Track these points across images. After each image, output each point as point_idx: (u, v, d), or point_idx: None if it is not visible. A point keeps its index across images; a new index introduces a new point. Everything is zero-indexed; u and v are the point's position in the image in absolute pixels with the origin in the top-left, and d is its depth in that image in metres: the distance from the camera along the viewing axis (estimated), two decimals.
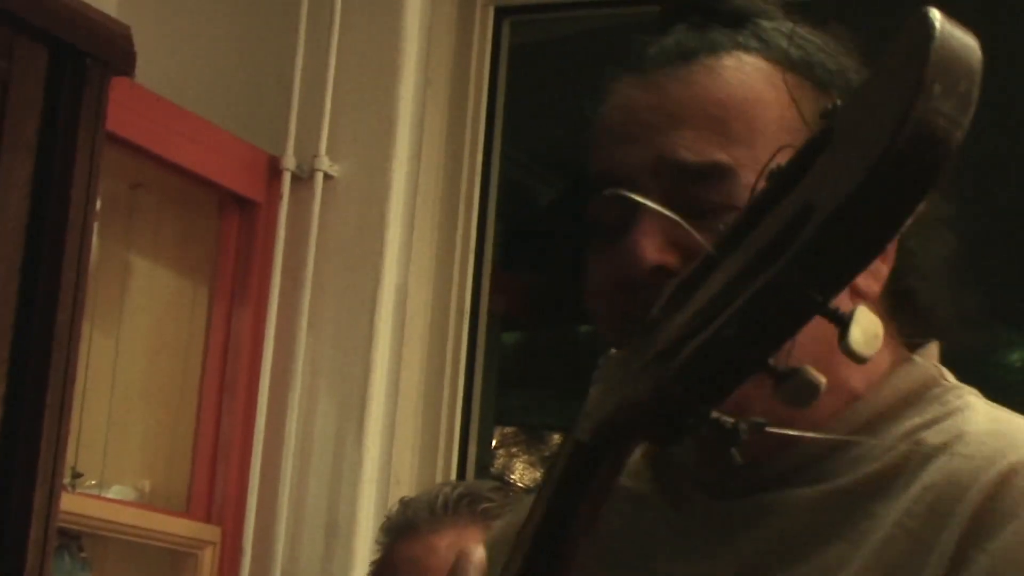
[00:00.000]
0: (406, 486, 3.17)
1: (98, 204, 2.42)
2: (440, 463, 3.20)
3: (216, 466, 3.13)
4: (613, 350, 0.86)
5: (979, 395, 1.11)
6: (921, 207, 0.74)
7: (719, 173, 1.04)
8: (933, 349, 1.12)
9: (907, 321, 1.11)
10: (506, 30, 3.40)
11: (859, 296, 1.04)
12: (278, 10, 3.29)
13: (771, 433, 0.75)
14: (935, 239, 1.10)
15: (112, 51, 2.39)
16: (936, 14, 0.66)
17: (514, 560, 0.88)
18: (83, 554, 2.77)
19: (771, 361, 0.72)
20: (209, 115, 3.10)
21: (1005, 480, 0.99)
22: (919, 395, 1.08)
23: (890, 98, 0.66)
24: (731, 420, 0.74)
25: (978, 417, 1.06)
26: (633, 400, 0.78)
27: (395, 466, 3.16)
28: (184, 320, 3.17)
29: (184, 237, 3.18)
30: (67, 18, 2.33)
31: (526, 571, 0.89)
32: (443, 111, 3.32)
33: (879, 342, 0.71)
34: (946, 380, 1.10)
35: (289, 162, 3.22)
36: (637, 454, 1.16)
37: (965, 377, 1.13)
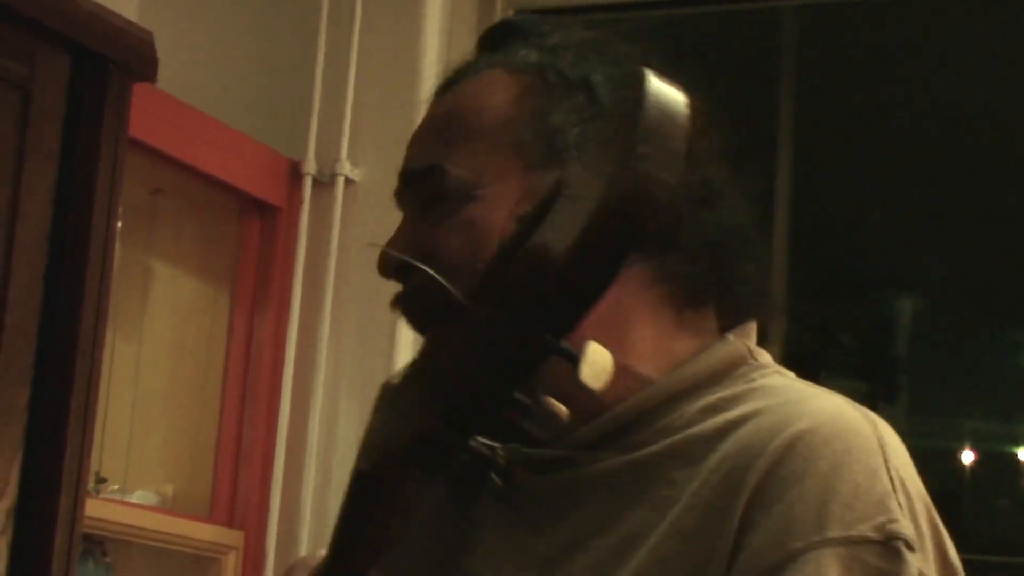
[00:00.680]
0: None
1: (120, 211, 2.43)
2: None
3: (239, 471, 3.14)
4: (390, 380, 0.94)
5: (788, 374, 1.16)
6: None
7: (431, 172, 1.20)
8: (750, 329, 1.17)
9: (725, 304, 1.17)
10: None
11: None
12: (299, 15, 3.30)
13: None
14: (735, 228, 1.16)
15: (134, 57, 2.39)
16: (649, 78, 0.75)
17: None
18: (107, 559, 2.77)
19: (516, 395, 0.81)
20: (230, 120, 3.10)
21: (789, 447, 1.03)
22: (725, 373, 1.13)
23: (609, 157, 0.74)
24: (488, 447, 0.86)
25: (777, 392, 1.10)
26: (404, 435, 0.86)
27: None
28: (205, 325, 3.18)
29: (205, 242, 3.19)
30: (89, 24, 2.33)
31: None
32: None
33: (608, 375, 0.80)
34: (755, 359, 1.15)
35: (310, 167, 3.22)
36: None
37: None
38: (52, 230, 2.28)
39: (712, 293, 1.15)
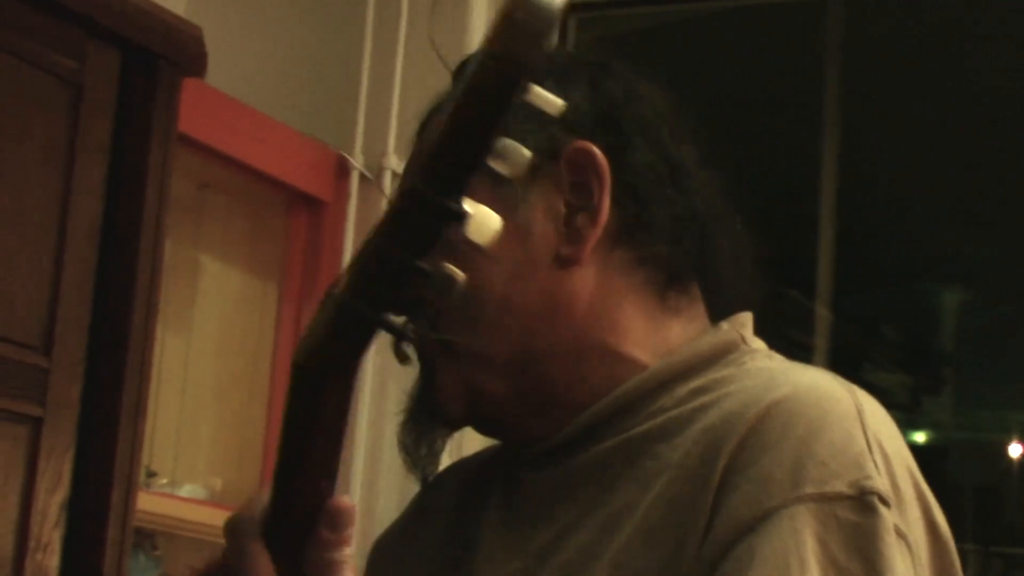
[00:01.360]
0: None
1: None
2: None
3: None
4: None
5: (779, 357, 1.17)
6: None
7: None
8: (744, 318, 1.20)
9: (707, 283, 1.19)
10: (573, 25, 3.40)
11: (566, 266, 1.13)
12: (345, 9, 3.30)
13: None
14: (705, 207, 1.18)
15: (183, 52, 2.40)
16: None
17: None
18: (156, 552, 2.78)
19: (420, 263, 0.86)
20: (278, 115, 3.11)
21: (766, 413, 1.04)
22: (717, 358, 1.15)
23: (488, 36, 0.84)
24: (400, 321, 0.89)
25: (762, 371, 1.13)
26: (326, 319, 0.92)
27: None
28: (253, 319, 3.19)
29: (253, 236, 3.20)
30: (139, 20, 2.34)
31: (275, 506, 0.99)
32: None
33: (493, 234, 0.85)
34: (747, 344, 1.17)
35: (357, 161, 3.23)
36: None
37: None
38: (102, 224, 2.30)
39: (690, 272, 1.18)
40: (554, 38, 0.86)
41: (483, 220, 0.87)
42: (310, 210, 3.23)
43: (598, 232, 1.13)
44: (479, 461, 1.30)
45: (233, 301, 3.18)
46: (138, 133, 2.35)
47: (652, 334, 1.16)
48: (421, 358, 1.22)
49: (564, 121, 1.12)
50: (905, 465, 1.06)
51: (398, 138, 3.24)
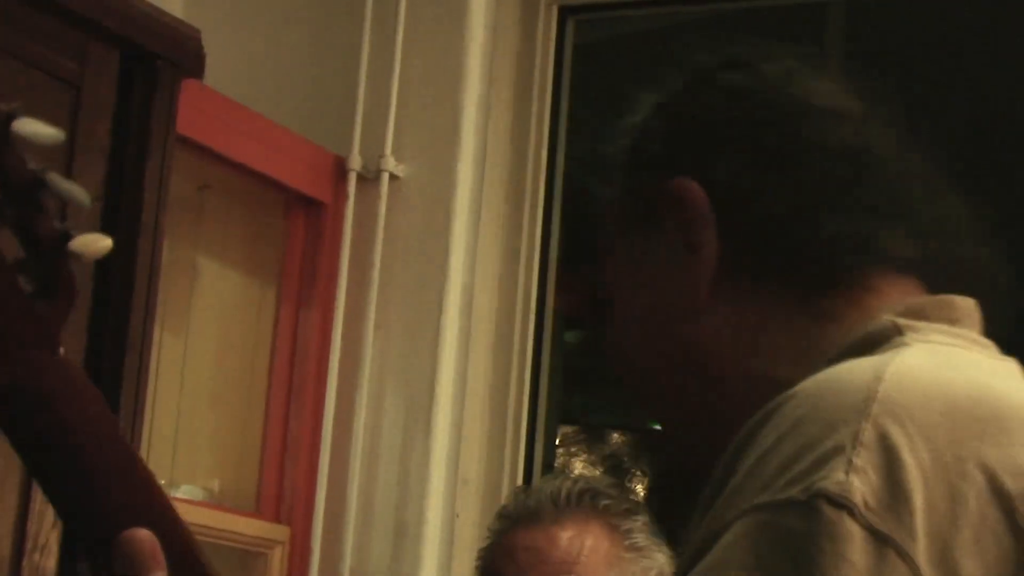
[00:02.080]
0: (474, 485, 3.17)
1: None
2: (507, 462, 3.21)
3: (284, 466, 3.14)
4: None
5: (941, 341, 1.05)
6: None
7: None
8: (921, 302, 1.09)
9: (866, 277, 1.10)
10: (570, 29, 3.40)
11: (698, 312, 1.08)
12: (344, 11, 3.30)
13: None
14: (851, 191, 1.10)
15: (182, 53, 2.41)
16: None
17: None
18: None
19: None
20: (276, 116, 3.11)
21: (769, 411, 0.96)
22: (856, 354, 1.03)
23: None
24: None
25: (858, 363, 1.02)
26: None
27: (462, 465, 3.16)
28: (251, 321, 3.19)
29: (251, 238, 3.20)
30: (138, 21, 2.35)
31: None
32: (508, 110, 3.32)
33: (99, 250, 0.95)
34: (903, 334, 1.05)
35: (355, 163, 3.23)
36: None
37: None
38: (101, 225, 2.30)
39: (841, 272, 1.09)
40: None
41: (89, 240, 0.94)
42: (308, 212, 3.23)
43: (710, 269, 1.08)
44: None
45: (231, 303, 3.18)
46: (137, 134, 2.35)
47: (797, 348, 1.08)
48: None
49: (659, 162, 1.11)
50: (956, 462, 0.92)
51: (396, 140, 3.24)
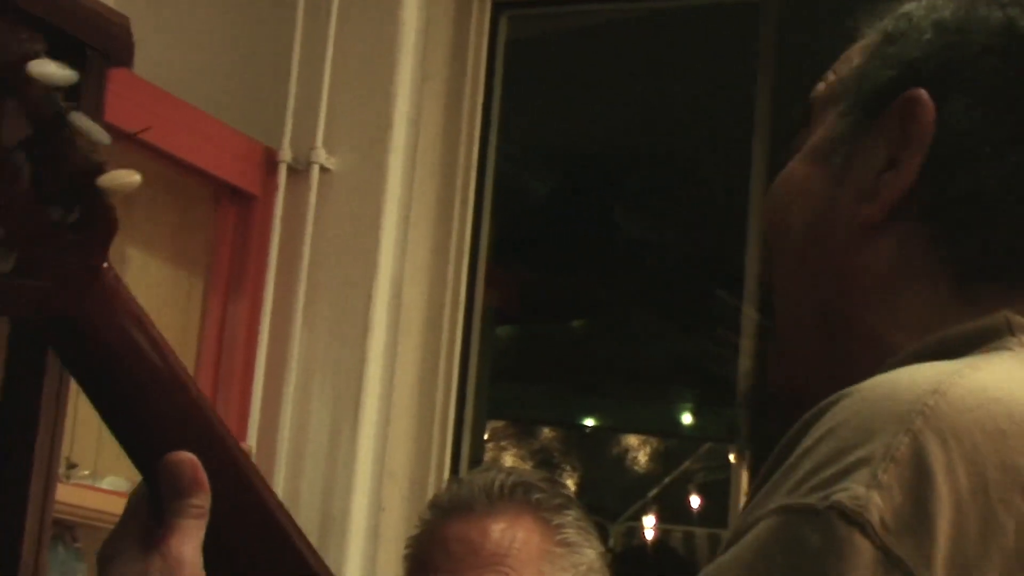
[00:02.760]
0: (400, 479, 3.17)
1: None
2: (434, 456, 3.21)
3: None
4: None
5: None
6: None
7: (808, 104, 1.12)
8: None
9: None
10: (503, 25, 3.41)
11: (863, 226, 1.02)
12: (275, 2, 3.29)
13: None
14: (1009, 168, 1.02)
15: (111, 42, 2.39)
16: None
17: None
18: (77, 544, 2.77)
19: None
20: (207, 107, 3.10)
21: (819, 410, 0.91)
22: (962, 349, 0.97)
23: None
24: None
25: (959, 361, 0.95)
26: None
27: (389, 459, 3.16)
28: (179, 311, 3.18)
29: (180, 229, 3.18)
30: (66, 8, 2.33)
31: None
32: (440, 105, 3.32)
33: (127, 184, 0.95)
34: (1015, 335, 0.97)
35: (286, 155, 3.22)
36: None
37: None
38: None
39: (1008, 268, 1.00)
40: None
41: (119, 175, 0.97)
42: (238, 203, 3.22)
43: (897, 193, 1.01)
44: None
45: (159, 294, 3.16)
46: None
47: (924, 321, 1.00)
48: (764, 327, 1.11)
49: (911, 63, 1.03)
50: (1000, 490, 0.85)
51: (327, 132, 3.24)
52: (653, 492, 7.57)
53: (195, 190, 3.19)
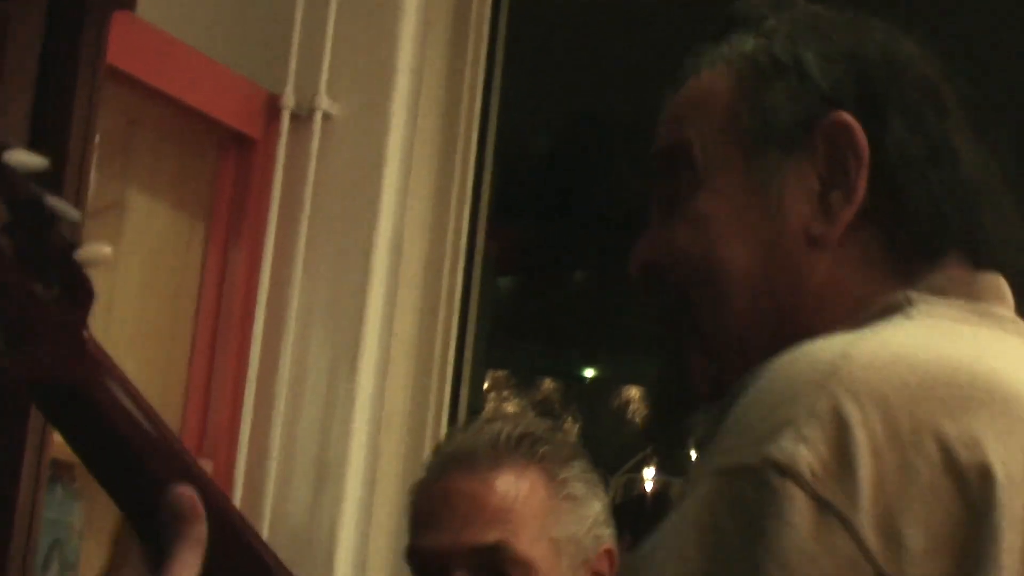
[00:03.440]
0: (397, 428, 3.19)
1: (96, 140, 2.42)
2: (432, 405, 3.22)
3: (209, 402, 3.15)
4: None
5: (928, 320, 1.09)
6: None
7: (679, 148, 1.18)
8: (937, 279, 1.13)
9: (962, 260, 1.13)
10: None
11: (816, 245, 1.12)
12: None
13: None
14: (939, 171, 1.13)
15: None
16: None
17: None
18: (75, 484, 2.78)
19: None
20: (210, 51, 3.09)
21: (766, 368, 1.01)
22: (866, 323, 1.09)
23: None
24: None
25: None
26: None
27: (387, 408, 3.17)
28: (180, 258, 3.18)
29: (181, 174, 3.18)
30: None
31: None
32: (443, 53, 3.32)
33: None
34: (910, 307, 1.10)
35: (288, 100, 3.22)
36: None
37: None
38: None
39: (943, 248, 1.13)
40: None
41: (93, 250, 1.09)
42: (240, 149, 3.22)
43: (852, 211, 1.11)
44: None
45: (159, 239, 3.17)
46: (65, 66, 2.33)
47: (852, 309, 1.12)
48: (669, 339, 1.21)
49: (823, 91, 1.13)
50: (911, 436, 0.97)
51: (330, 78, 3.23)
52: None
53: (197, 135, 3.19)
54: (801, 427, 0.96)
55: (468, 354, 3.32)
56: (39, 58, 2.31)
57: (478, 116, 3.33)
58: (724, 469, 0.98)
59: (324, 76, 3.23)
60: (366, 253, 3.18)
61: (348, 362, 3.15)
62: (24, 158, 1.12)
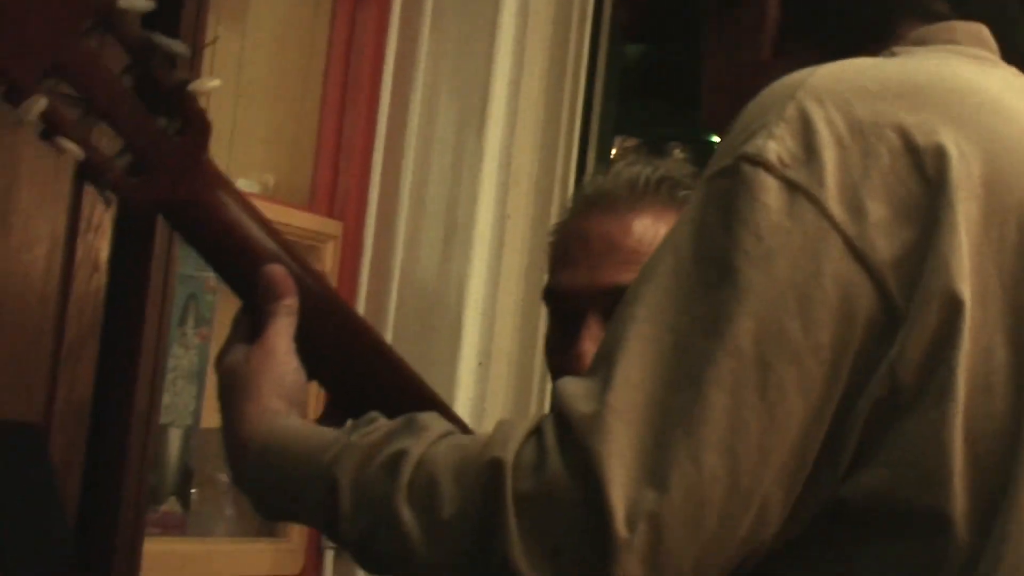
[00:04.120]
0: (525, 187, 3.19)
1: None
2: (559, 166, 3.22)
3: (339, 162, 3.17)
4: None
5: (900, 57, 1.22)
6: None
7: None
8: (919, 33, 1.25)
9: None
10: None
11: (760, 67, 1.27)
12: None
13: None
14: None
15: None
16: None
17: None
18: None
19: None
20: None
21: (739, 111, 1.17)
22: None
23: None
24: None
25: None
26: None
27: (514, 168, 3.18)
28: (308, 17, 3.18)
29: None
30: None
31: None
32: None
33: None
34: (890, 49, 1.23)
35: None
36: None
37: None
38: None
39: (875, 31, 1.26)
40: None
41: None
42: None
43: (772, 30, 1.27)
44: None
45: (288, 3, 3.16)
46: None
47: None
48: None
49: None
50: (872, 127, 1.10)
51: None
52: None
53: None
54: (771, 128, 1.09)
55: (595, 117, 3.30)
56: None
57: None
58: (708, 176, 1.11)
59: None
60: (494, 10, 3.16)
61: (476, 121, 3.15)
62: (136, 2, 1.25)
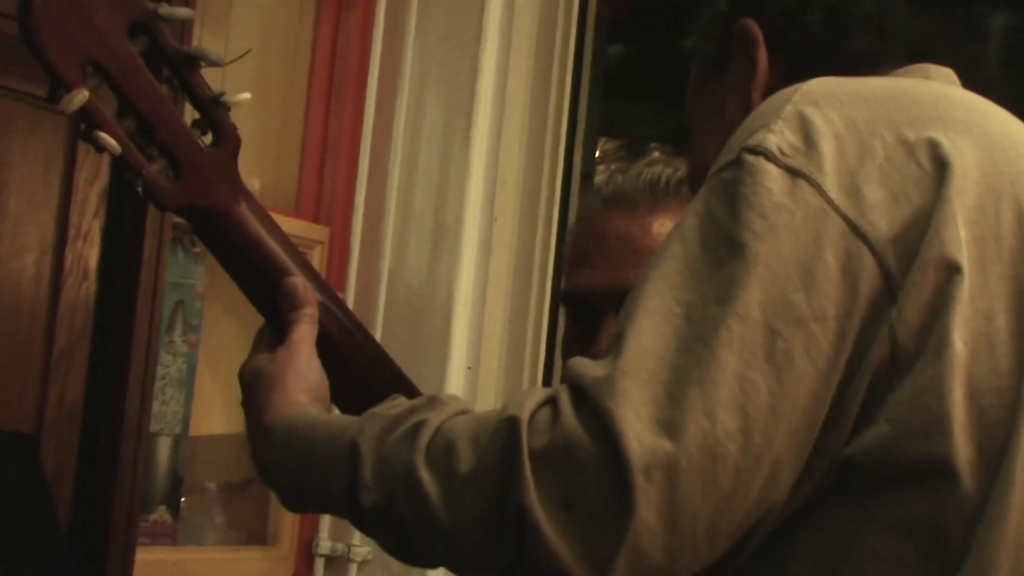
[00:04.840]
0: (513, 189, 3.19)
1: None
2: (546, 167, 3.22)
3: (324, 166, 3.16)
4: None
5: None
6: None
7: None
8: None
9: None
10: None
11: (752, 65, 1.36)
12: None
13: None
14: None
15: None
16: None
17: None
18: (196, 249, 2.83)
19: None
20: None
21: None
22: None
23: None
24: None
25: None
26: None
27: (502, 169, 3.17)
28: (293, 20, 3.17)
29: None
30: None
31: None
32: None
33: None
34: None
35: None
36: None
37: (941, 46, 1.37)
38: None
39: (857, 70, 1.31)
40: None
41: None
42: None
43: (762, 78, 1.35)
44: None
45: (273, 1, 3.16)
46: None
47: None
48: None
49: (729, 11, 1.38)
50: (867, 127, 1.17)
51: None
52: None
53: None
54: (771, 125, 1.16)
55: (581, 117, 3.30)
56: None
57: None
58: (713, 172, 1.18)
59: None
60: (479, 11, 3.15)
61: (463, 124, 3.15)
62: (176, 10, 1.32)
